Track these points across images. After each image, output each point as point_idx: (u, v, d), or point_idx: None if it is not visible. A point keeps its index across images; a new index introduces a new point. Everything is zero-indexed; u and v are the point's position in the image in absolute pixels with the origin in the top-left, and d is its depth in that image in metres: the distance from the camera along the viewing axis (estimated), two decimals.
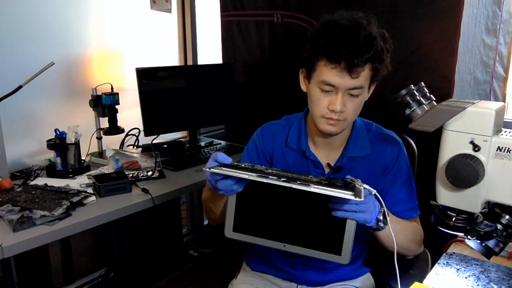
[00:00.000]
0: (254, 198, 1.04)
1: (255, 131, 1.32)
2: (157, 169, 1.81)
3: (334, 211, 0.96)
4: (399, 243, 1.03)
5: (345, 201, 0.94)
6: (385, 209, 1.02)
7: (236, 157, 1.59)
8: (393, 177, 1.21)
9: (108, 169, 1.81)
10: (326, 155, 1.22)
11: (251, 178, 0.92)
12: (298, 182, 0.90)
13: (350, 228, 0.98)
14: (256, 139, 1.30)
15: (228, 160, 1.00)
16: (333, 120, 1.09)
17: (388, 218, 1.03)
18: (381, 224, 1.02)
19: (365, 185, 0.94)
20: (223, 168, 0.96)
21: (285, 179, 0.91)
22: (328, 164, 1.22)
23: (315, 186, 0.89)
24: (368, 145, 1.21)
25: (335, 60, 1.02)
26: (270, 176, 0.92)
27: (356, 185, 0.93)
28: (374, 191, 0.97)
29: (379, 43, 1.04)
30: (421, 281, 0.98)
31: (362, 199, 0.89)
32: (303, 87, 1.18)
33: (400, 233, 1.08)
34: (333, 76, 1.04)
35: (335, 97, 1.06)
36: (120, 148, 2.12)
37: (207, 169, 0.96)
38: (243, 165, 1.01)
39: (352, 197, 0.88)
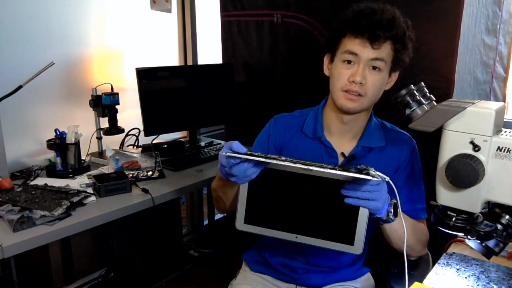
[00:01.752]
0: (265, 190, 1.04)
1: (268, 122, 1.33)
2: (157, 169, 1.81)
3: (346, 199, 0.96)
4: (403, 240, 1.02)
5: (358, 188, 0.94)
6: (398, 202, 1.02)
7: None
8: (406, 176, 1.21)
9: (108, 169, 1.81)
10: (341, 144, 1.22)
11: (268, 161, 0.92)
12: (314, 167, 0.91)
13: (362, 218, 0.98)
14: (268, 129, 1.31)
15: (243, 149, 0.99)
16: (353, 95, 1.11)
17: (399, 210, 1.03)
18: (391, 216, 1.02)
19: (378, 172, 0.93)
20: (240, 152, 0.96)
21: (300, 165, 0.92)
22: (342, 154, 1.22)
23: (331, 169, 0.90)
24: (383, 139, 1.22)
25: (358, 31, 1.08)
26: (285, 162, 0.92)
27: (370, 172, 0.92)
28: (387, 178, 0.96)
29: (402, 25, 1.10)
30: (421, 281, 0.98)
31: (379, 179, 0.90)
32: (326, 71, 1.21)
33: (407, 230, 1.07)
34: (356, 45, 1.09)
35: (356, 69, 1.09)
36: (120, 148, 2.12)
37: (224, 153, 0.96)
38: (256, 154, 0.99)
39: (369, 177, 0.88)
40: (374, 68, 1.10)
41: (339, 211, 1.00)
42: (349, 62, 1.11)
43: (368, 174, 0.92)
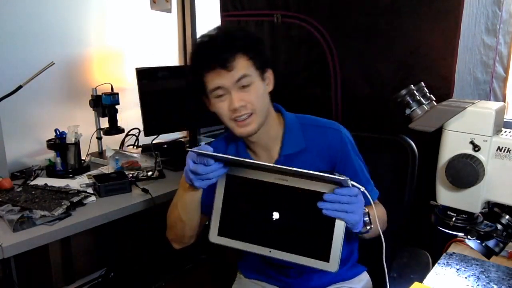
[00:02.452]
0: (240, 201, 1.01)
1: None
2: (157, 169, 1.81)
3: (325, 210, 0.91)
4: (377, 231, 1.00)
5: (336, 199, 0.91)
6: (374, 209, 0.98)
7: None
8: (344, 166, 1.17)
9: (108, 169, 1.81)
10: (267, 159, 1.19)
11: (237, 160, 0.92)
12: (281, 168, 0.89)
13: (338, 233, 0.93)
14: None
15: (210, 149, 0.98)
16: (242, 120, 1.09)
17: (371, 216, 1.00)
18: (368, 227, 1.00)
19: (353, 182, 0.90)
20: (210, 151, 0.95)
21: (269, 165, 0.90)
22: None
23: (298, 169, 0.87)
24: (302, 139, 1.17)
25: (207, 66, 1.07)
26: (262, 163, 0.91)
27: (348, 182, 0.89)
28: (362, 188, 0.92)
29: (238, 34, 1.09)
30: (421, 282, 0.98)
31: (352, 186, 0.89)
32: (211, 109, 1.18)
33: (379, 222, 1.02)
34: (215, 79, 1.07)
35: (230, 98, 1.08)
36: (120, 148, 2.12)
37: (193, 150, 0.94)
38: (228, 156, 0.97)
39: (343, 178, 0.86)
40: (244, 86, 1.08)
41: (314, 225, 0.96)
42: (220, 95, 1.09)
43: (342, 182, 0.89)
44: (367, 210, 0.99)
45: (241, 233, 1.00)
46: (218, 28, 1.12)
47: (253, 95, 1.08)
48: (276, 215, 0.98)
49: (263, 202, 0.99)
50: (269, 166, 0.92)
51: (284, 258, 0.97)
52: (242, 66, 1.07)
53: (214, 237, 1.01)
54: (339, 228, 0.93)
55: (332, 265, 0.93)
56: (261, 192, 0.98)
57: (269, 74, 1.15)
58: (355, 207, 0.92)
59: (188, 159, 0.98)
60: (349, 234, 1.00)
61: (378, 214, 1.04)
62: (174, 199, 1.18)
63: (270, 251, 0.98)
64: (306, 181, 0.89)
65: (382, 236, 0.98)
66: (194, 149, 0.95)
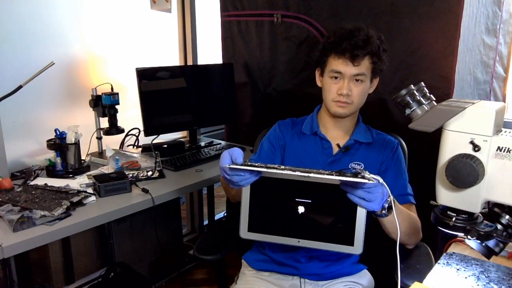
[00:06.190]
0: (266, 198, 1.09)
1: (272, 126, 1.46)
2: (157, 169, 1.81)
3: (348, 194, 0.99)
4: (402, 231, 1.06)
5: (356, 189, 0.98)
6: (392, 198, 1.03)
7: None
8: (391, 166, 1.35)
9: (108, 169, 1.81)
10: (335, 137, 1.38)
11: (270, 170, 0.97)
12: (312, 173, 0.95)
13: (360, 218, 1.02)
14: (274, 131, 1.44)
15: (241, 156, 1.02)
16: (342, 103, 1.29)
17: (393, 205, 1.05)
18: (384, 212, 1.06)
19: (372, 175, 0.96)
20: (243, 164, 1.00)
21: (299, 173, 0.96)
22: (338, 145, 1.37)
23: (328, 175, 0.94)
24: (370, 137, 1.39)
25: (341, 52, 1.26)
26: (286, 171, 0.96)
27: (365, 175, 0.95)
28: (381, 180, 0.98)
29: (375, 41, 1.27)
30: (423, 278, 0.98)
31: (375, 181, 0.94)
32: (318, 83, 1.38)
33: (404, 220, 1.17)
34: (340, 65, 1.27)
35: (342, 83, 1.28)
36: (120, 148, 2.12)
37: (227, 165, 1.00)
38: (256, 164, 1.02)
39: (366, 181, 0.92)
40: (357, 80, 1.28)
41: (337, 214, 1.07)
42: (336, 77, 1.29)
43: (363, 177, 0.94)
44: (390, 199, 1.05)
45: (270, 227, 1.10)
46: (361, 26, 1.28)
47: (359, 90, 1.29)
48: (301, 209, 1.07)
49: (288, 198, 1.08)
50: (295, 169, 0.96)
51: (312, 246, 1.07)
52: (365, 65, 1.27)
53: (244, 233, 1.10)
54: (361, 213, 1.02)
55: (357, 248, 1.04)
56: (285, 189, 1.07)
57: (376, 81, 1.36)
58: (372, 196, 0.99)
59: (222, 171, 1.05)
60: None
61: (409, 218, 1.20)
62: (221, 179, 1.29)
63: (298, 241, 1.08)
64: (327, 176, 0.95)
65: (398, 225, 1.01)
66: (232, 165, 0.99)
